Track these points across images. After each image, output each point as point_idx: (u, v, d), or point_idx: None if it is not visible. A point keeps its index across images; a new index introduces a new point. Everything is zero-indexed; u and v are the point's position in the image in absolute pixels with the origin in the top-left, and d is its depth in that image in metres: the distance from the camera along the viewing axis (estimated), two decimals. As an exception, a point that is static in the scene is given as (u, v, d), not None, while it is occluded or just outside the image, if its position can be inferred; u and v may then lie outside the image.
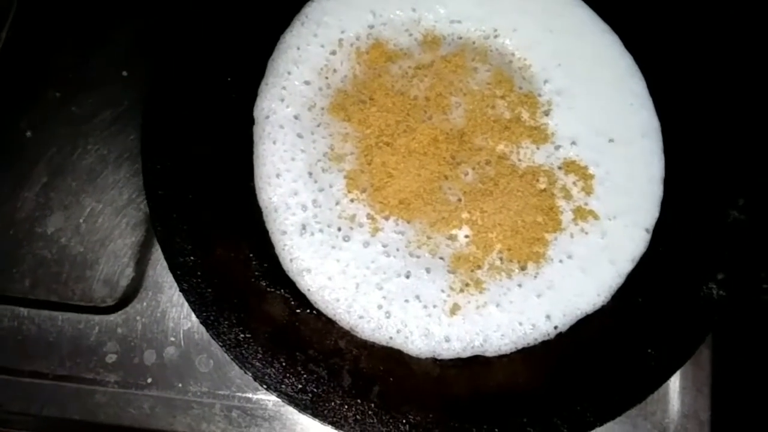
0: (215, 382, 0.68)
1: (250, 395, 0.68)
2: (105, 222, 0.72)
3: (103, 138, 0.74)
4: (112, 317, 0.69)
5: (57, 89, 0.75)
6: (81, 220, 0.72)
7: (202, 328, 0.67)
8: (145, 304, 0.70)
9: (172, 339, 0.69)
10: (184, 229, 0.61)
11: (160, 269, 0.70)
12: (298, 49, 0.68)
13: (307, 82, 0.67)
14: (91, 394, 0.68)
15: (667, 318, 0.62)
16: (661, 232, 0.65)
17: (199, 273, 0.60)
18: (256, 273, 0.63)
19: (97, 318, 0.69)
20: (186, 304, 0.68)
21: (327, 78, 0.67)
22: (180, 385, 0.68)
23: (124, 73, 0.76)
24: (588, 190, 0.65)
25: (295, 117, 0.66)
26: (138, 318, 0.69)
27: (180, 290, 0.59)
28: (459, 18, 0.70)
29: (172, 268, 0.59)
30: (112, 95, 0.75)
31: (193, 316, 0.68)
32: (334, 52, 0.68)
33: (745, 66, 0.66)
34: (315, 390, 0.58)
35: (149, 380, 0.68)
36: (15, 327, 0.69)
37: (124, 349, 0.69)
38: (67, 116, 0.74)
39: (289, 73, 0.67)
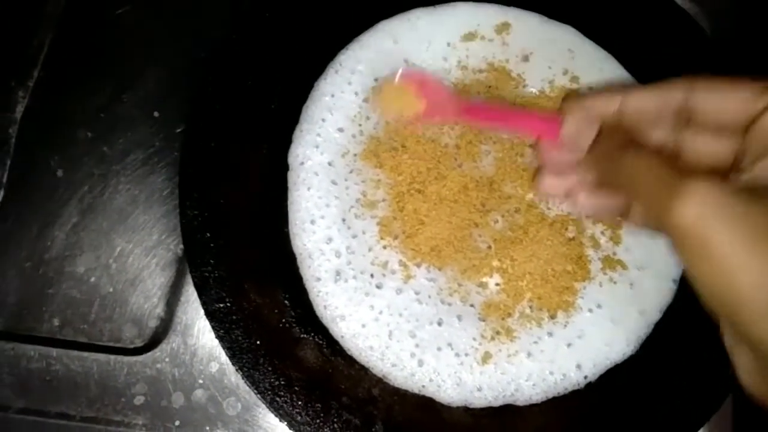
0: (243, 426, 0.68)
1: (277, 439, 0.68)
2: (135, 262, 0.72)
3: (134, 178, 0.74)
4: (140, 358, 0.69)
5: (88, 129, 0.76)
6: (111, 260, 0.72)
7: (231, 371, 0.68)
8: (174, 345, 0.70)
9: (201, 381, 0.69)
10: (220, 275, 0.61)
11: (189, 311, 0.71)
12: (332, 96, 0.69)
13: (340, 129, 0.68)
14: (119, 436, 0.68)
15: (694, 368, 0.63)
16: (687, 283, 0.66)
17: (234, 319, 0.61)
18: (290, 319, 0.63)
19: (125, 359, 0.69)
20: (214, 346, 0.69)
21: (360, 125, 0.68)
22: (208, 428, 0.68)
23: (156, 114, 0.76)
24: (616, 240, 0.66)
25: (329, 163, 0.67)
26: (167, 359, 0.69)
27: (216, 337, 0.60)
28: (488, 68, 0.71)
29: (209, 315, 0.60)
30: (143, 136, 0.76)
31: (222, 359, 0.69)
32: (367, 100, 0.69)
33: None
34: (349, 439, 0.59)
35: (177, 423, 0.68)
36: (43, 367, 0.69)
37: (152, 391, 0.69)
38: (99, 156, 0.75)
39: (323, 120, 0.68)
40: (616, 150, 0.48)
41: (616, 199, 0.55)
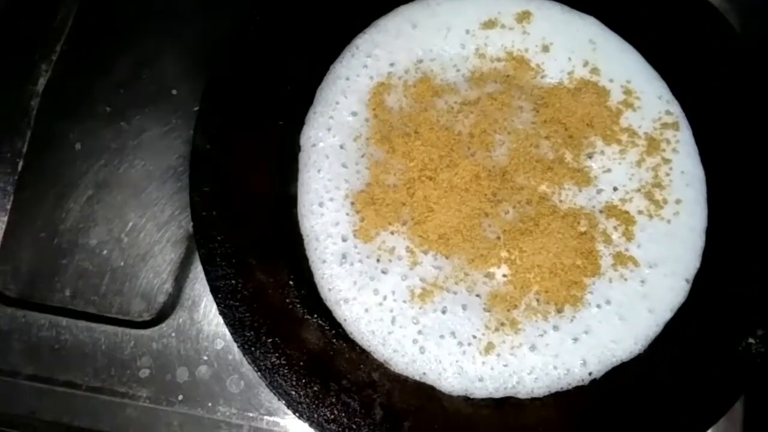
0: (245, 404, 0.69)
1: (278, 419, 0.69)
2: (146, 237, 0.73)
3: (149, 154, 0.75)
4: (147, 332, 0.70)
5: (108, 104, 0.77)
6: (123, 234, 0.73)
7: (235, 349, 0.69)
8: (180, 321, 0.70)
9: (205, 358, 0.70)
10: (226, 252, 0.61)
11: (197, 287, 0.71)
12: (347, 79, 0.68)
13: (354, 113, 0.68)
14: (123, 407, 0.69)
15: (704, 371, 0.62)
16: (701, 283, 0.64)
17: (239, 296, 0.61)
18: (295, 300, 0.63)
19: (133, 332, 0.70)
20: (220, 324, 0.69)
21: (374, 109, 0.68)
22: (210, 404, 0.69)
23: (174, 92, 0.77)
24: (629, 236, 0.65)
25: (341, 146, 0.67)
26: (173, 335, 0.70)
27: (219, 313, 0.60)
28: (506, 57, 0.70)
29: (213, 291, 0.60)
30: (160, 113, 0.77)
31: (227, 336, 0.69)
32: (381, 84, 0.69)
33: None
34: (346, 421, 0.58)
35: (180, 397, 0.69)
36: (52, 336, 0.70)
37: (157, 364, 0.69)
38: (116, 131, 0.76)
39: (337, 102, 0.68)
40: None
41: None
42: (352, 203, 0.65)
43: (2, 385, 0.69)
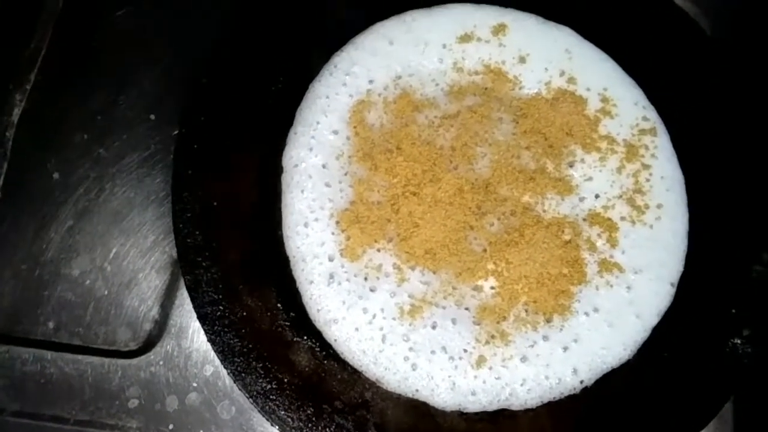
0: (237, 430, 0.68)
1: (272, 443, 0.68)
2: (130, 265, 0.72)
3: (129, 181, 0.75)
4: (135, 361, 0.69)
5: (85, 131, 0.76)
6: (106, 263, 0.72)
7: (225, 374, 0.68)
8: (168, 348, 0.70)
9: (195, 385, 0.69)
10: (212, 278, 0.61)
11: (184, 313, 0.71)
12: (327, 98, 0.68)
13: (335, 132, 0.68)
14: (113, 439, 0.68)
15: (693, 373, 0.62)
16: (686, 287, 0.65)
17: (226, 322, 0.60)
18: (284, 322, 0.63)
19: (120, 362, 0.69)
20: (209, 350, 0.69)
21: (355, 127, 0.68)
22: (202, 431, 0.68)
23: (152, 117, 0.77)
24: (613, 243, 0.66)
25: (323, 166, 0.66)
26: (161, 363, 0.69)
27: (208, 340, 0.59)
28: (484, 69, 0.71)
29: (201, 318, 0.60)
30: (139, 138, 0.76)
31: (216, 362, 0.68)
32: (361, 102, 0.69)
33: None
34: (341, 443, 0.58)
35: (171, 427, 0.68)
36: (37, 370, 0.69)
37: (146, 394, 0.68)
38: (94, 159, 0.75)
39: (317, 122, 0.68)
40: None
41: None
42: (337, 222, 0.65)
43: (-12, 423, 0.68)
